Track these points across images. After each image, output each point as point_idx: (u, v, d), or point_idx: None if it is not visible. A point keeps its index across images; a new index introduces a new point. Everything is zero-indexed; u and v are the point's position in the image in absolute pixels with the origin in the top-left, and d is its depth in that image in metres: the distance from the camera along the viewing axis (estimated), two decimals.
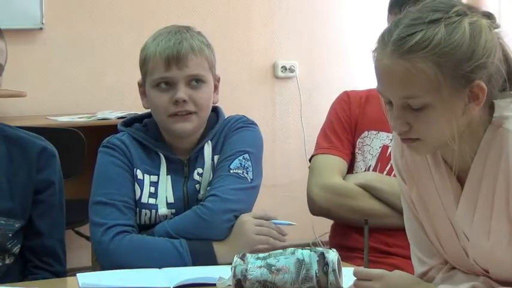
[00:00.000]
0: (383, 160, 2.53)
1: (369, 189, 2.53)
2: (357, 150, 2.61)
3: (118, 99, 4.92)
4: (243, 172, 2.32)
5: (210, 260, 2.22)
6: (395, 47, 1.66)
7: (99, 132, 3.93)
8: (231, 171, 2.31)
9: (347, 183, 2.56)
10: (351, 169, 2.62)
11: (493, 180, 1.73)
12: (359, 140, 2.62)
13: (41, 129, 3.86)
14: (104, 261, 2.25)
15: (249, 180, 2.32)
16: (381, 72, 1.70)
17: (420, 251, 1.91)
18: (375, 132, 2.59)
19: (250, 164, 2.34)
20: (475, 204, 1.76)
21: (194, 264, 2.20)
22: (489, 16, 1.72)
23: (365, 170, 2.58)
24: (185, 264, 2.20)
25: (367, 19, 5.48)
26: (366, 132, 2.61)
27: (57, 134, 3.90)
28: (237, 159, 2.32)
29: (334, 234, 2.70)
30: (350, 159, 2.62)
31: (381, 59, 1.69)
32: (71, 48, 4.86)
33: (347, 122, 2.64)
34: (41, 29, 4.78)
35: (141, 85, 2.37)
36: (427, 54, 1.64)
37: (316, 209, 2.61)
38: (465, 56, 1.65)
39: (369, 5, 5.52)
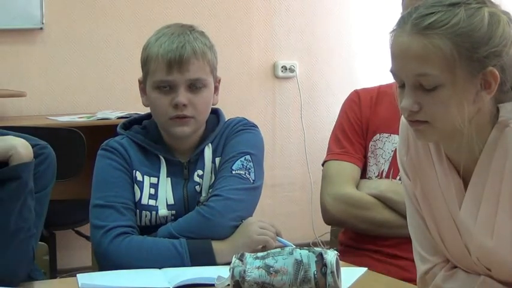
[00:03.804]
0: (396, 164, 2.51)
1: (383, 200, 2.51)
2: (369, 154, 2.58)
3: (118, 99, 4.92)
4: (245, 173, 2.32)
5: (209, 259, 2.22)
6: (415, 24, 1.68)
7: (99, 132, 3.94)
8: (233, 172, 2.32)
9: (361, 194, 2.53)
10: (364, 173, 2.59)
11: (499, 180, 1.73)
12: (371, 143, 2.58)
13: (40, 129, 3.88)
14: (103, 263, 2.25)
15: (251, 181, 2.33)
16: (398, 49, 1.71)
17: (422, 248, 1.91)
18: (386, 134, 2.57)
19: (252, 165, 2.34)
20: (479, 203, 1.77)
21: (193, 263, 2.20)
22: (507, 14, 1.74)
23: (378, 174, 2.56)
24: (184, 264, 2.20)
25: (368, 19, 5.49)
26: (378, 135, 2.58)
27: (57, 134, 3.91)
28: (239, 161, 2.33)
29: (345, 233, 2.67)
30: (363, 163, 2.60)
31: (399, 36, 1.71)
32: (71, 48, 4.87)
33: (358, 125, 2.61)
34: (41, 29, 4.78)
35: (142, 82, 2.38)
36: (445, 32, 1.66)
37: (329, 218, 2.59)
38: (482, 40, 1.67)
39: (369, 5, 5.52)
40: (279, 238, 2.29)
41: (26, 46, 4.80)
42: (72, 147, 3.90)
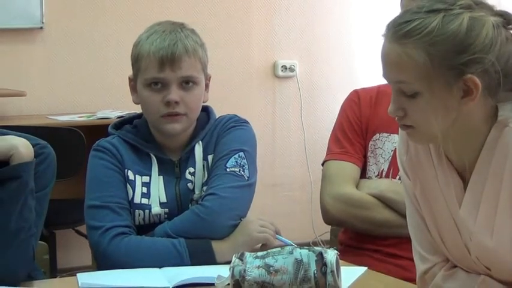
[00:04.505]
0: (396, 164, 2.50)
1: (383, 200, 2.51)
2: (369, 154, 2.59)
3: (118, 98, 4.92)
4: (239, 170, 2.32)
5: (209, 258, 2.22)
6: (394, 32, 1.69)
7: (99, 131, 3.92)
8: (228, 170, 2.31)
9: (361, 194, 2.53)
10: (363, 173, 2.59)
11: (499, 179, 1.73)
12: (371, 142, 2.59)
13: (40, 129, 3.89)
14: (103, 263, 2.25)
15: (246, 178, 2.33)
16: (381, 55, 1.73)
17: (422, 248, 1.92)
18: (386, 134, 2.57)
19: (246, 162, 2.34)
20: (479, 202, 1.77)
21: (193, 262, 2.20)
22: (503, 15, 1.71)
23: (378, 174, 2.56)
24: (184, 263, 2.20)
25: (368, 19, 5.49)
26: (378, 134, 2.58)
27: (57, 133, 3.91)
28: (232, 158, 2.33)
29: (345, 233, 2.67)
30: (363, 163, 2.59)
31: (383, 43, 1.72)
32: (71, 47, 4.87)
33: (357, 125, 2.61)
34: (41, 28, 4.78)
35: (132, 80, 2.37)
36: (418, 41, 1.66)
37: (329, 218, 2.59)
38: (458, 48, 1.65)
39: (369, 5, 5.52)
40: (279, 236, 2.29)
41: (26, 46, 4.80)
42: (72, 146, 3.91)
